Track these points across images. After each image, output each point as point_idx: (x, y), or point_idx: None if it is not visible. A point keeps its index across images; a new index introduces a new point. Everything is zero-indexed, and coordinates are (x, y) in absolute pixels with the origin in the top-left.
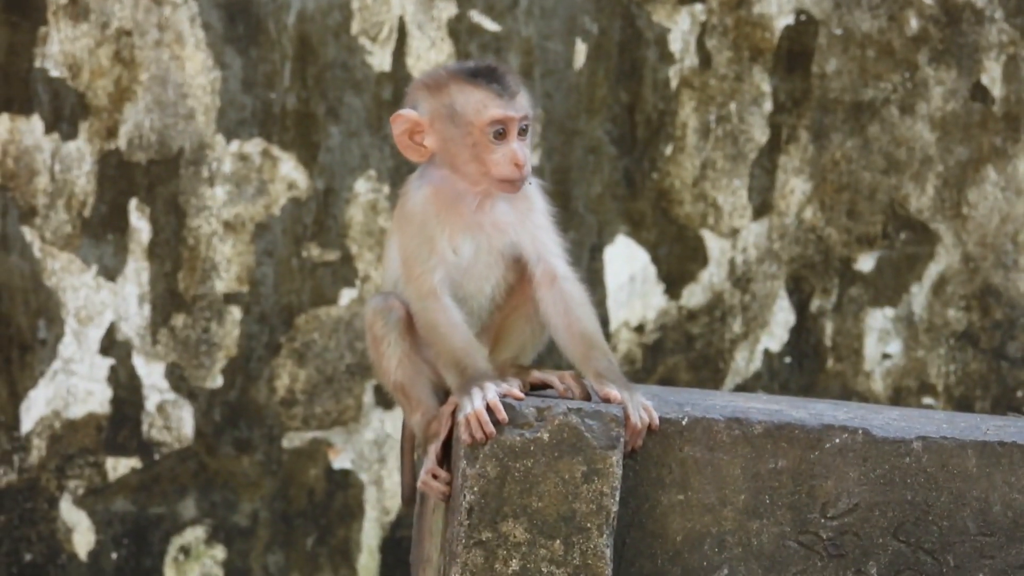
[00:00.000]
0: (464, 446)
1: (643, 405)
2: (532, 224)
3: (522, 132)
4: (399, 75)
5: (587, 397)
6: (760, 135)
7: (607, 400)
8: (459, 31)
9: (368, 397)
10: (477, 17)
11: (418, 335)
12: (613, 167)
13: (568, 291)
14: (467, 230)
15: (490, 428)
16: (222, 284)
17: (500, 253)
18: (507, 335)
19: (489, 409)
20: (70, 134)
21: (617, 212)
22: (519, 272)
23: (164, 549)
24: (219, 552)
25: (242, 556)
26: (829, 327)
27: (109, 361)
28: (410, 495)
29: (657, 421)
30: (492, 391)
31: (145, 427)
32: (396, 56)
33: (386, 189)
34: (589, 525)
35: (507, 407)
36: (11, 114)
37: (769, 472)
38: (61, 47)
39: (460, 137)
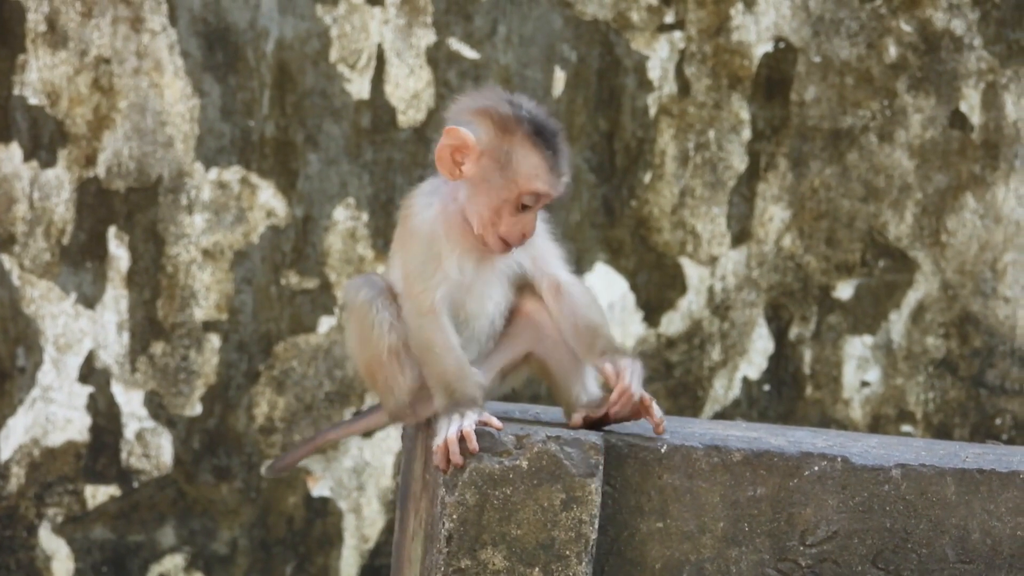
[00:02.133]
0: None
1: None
2: (532, 242)
3: (548, 203)
4: (378, 102)
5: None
6: (739, 163)
7: (610, 371)
8: (438, 59)
9: None
10: (456, 45)
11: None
12: (592, 195)
13: (573, 294)
14: (473, 250)
15: (457, 458)
16: (201, 312)
17: (504, 273)
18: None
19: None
20: (49, 162)
21: (596, 240)
22: (519, 296)
23: None
24: None
25: None
26: (808, 355)
27: (88, 389)
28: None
29: (650, 400)
30: (470, 420)
31: (124, 455)
32: (375, 84)
33: (365, 217)
34: (568, 552)
35: (485, 435)
36: None
37: (748, 500)
38: (40, 75)
39: (498, 187)
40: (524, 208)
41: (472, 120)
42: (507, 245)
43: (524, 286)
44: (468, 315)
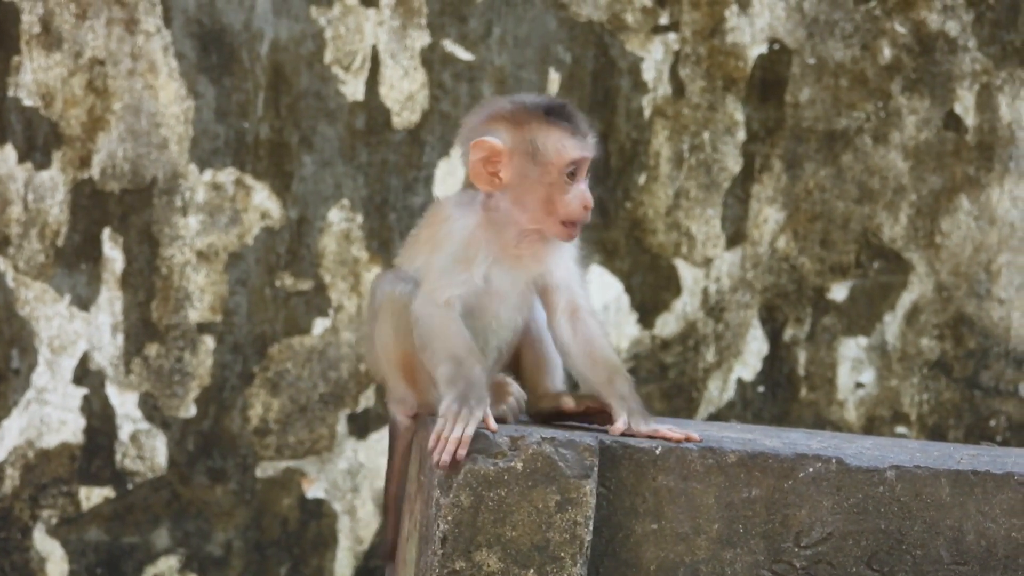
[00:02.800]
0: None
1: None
2: (562, 256)
3: (587, 172)
4: (372, 104)
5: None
6: (733, 164)
7: (635, 434)
8: (432, 60)
9: (341, 427)
10: (450, 46)
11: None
12: None
13: (589, 323)
14: (505, 261)
15: (447, 459)
16: (195, 314)
17: (527, 283)
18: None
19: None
20: (43, 163)
21: (590, 241)
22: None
23: None
24: None
25: None
26: (802, 356)
27: (82, 391)
28: (391, 551)
29: (688, 436)
30: (472, 425)
31: (118, 456)
32: (369, 85)
33: (359, 218)
34: (563, 554)
35: (479, 436)
36: None
37: (743, 501)
38: (34, 76)
39: (538, 175)
40: (572, 180)
41: (488, 129)
42: (572, 226)
43: None
44: (491, 326)
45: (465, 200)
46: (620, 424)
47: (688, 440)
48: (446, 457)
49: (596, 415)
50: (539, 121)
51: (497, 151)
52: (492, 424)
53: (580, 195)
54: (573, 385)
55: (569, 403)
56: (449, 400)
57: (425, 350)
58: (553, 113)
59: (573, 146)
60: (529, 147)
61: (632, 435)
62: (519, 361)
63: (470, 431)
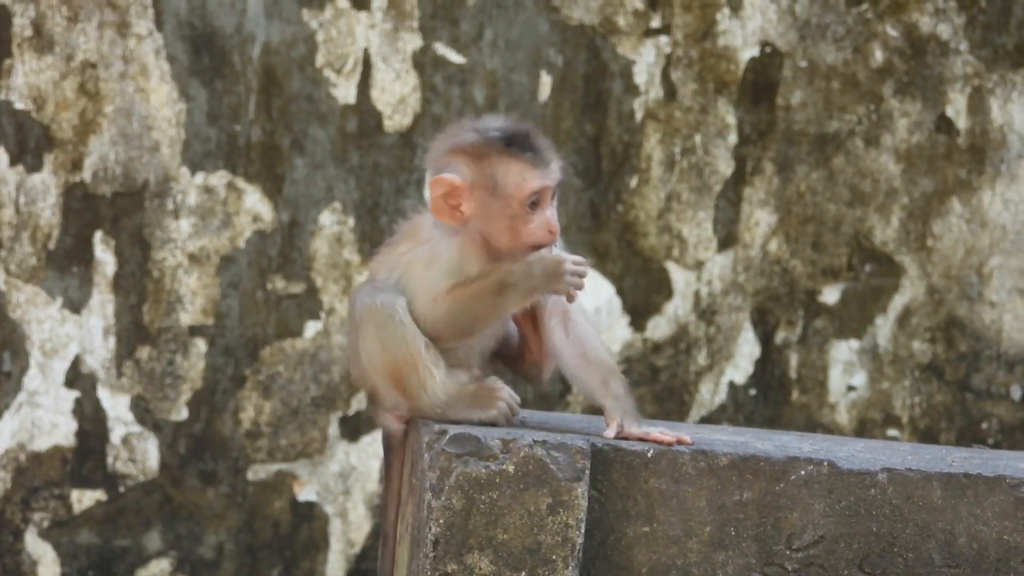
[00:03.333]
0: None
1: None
2: None
3: (553, 195)
4: (364, 107)
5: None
6: (725, 167)
7: (627, 436)
8: (424, 63)
9: (333, 429)
10: (442, 49)
11: None
12: (578, 199)
13: (580, 323)
14: None
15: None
16: (187, 316)
17: None
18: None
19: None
20: (35, 166)
21: (582, 244)
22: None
23: None
24: None
25: None
26: (794, 359)
27: (74, 393)
28: None
29: (680, 439)
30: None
31: (110, 459)
32: (361, 88)
33: (351, 221)
34: (555, 557)
35: (470, 439)
36: None
37: (734, 504)
38: (26, 79)
39: (499, 208)
40: (534, 209)
41: (448, 163)
42: (541, 247)
43: None
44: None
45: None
46: (612, 429)
47: (680, 443)
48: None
49: None
50: (498, 154)
51: (456, 187)
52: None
53: (544, 223)
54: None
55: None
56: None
57: (468, 314)
58: (513, 144)
59: (533, 177)
60: (489, 181)
61: (624, 438)
62: (498, 352)
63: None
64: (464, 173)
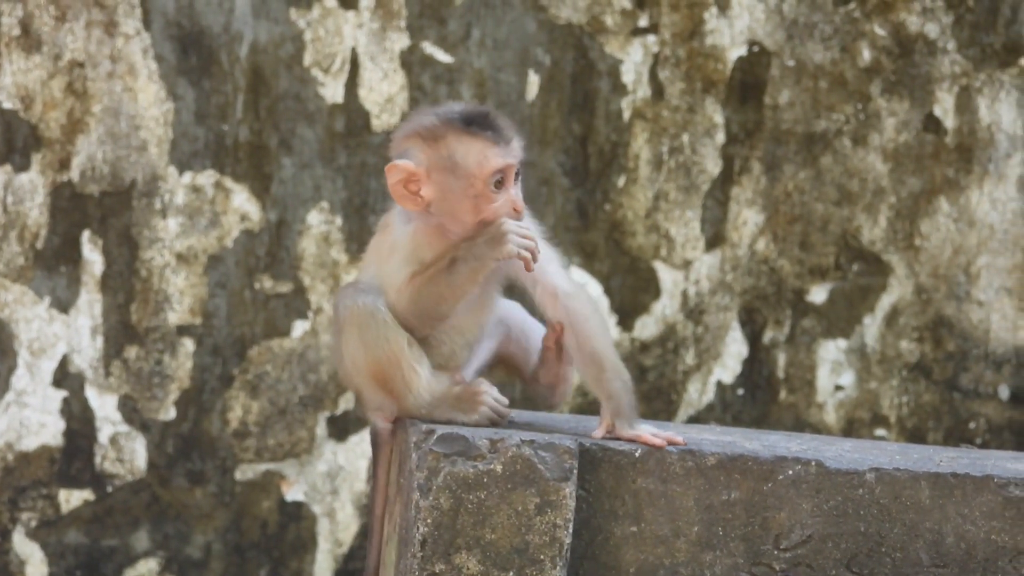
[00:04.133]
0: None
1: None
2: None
3: (516, 176)
4: (352, 106)
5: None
6: (713, 166)
7: (617, 437)
8: (411, 63)
9: (321, 429)
10: (430, 49)
11: None
12: (566, 198)
13: (573, 308)
14: None
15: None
16: (175, 316)
17: (491, 282)
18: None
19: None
20: (22, 166)
21: (570, 243)
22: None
23: None
24: None
25: None
26: (782, 359)
27: (62, 393)
28: (375, 573)
29: (670, 439)
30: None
31: (98, 459)
32: (349, 87)
33: (339, 221)
34: (542, 557)
35: (458, 439)
36: None
37: (722, 504)
38: (13, 79)
39: (461, 188)
40: (498, 188)
41: (405, 149)
42: None
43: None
44: (460, 325)
45: (406, 212)
46: (601, 430)
47: (671, 443)
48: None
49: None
50: (456, 134)
51: (411, 172)
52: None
53: (508, 201)
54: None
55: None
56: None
57: (442, 295)
58: (473, 123)
59: (495, 155)
60: (447, 163)
61: (616, 438)
62: (515, 364)
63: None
64: (419, 158)
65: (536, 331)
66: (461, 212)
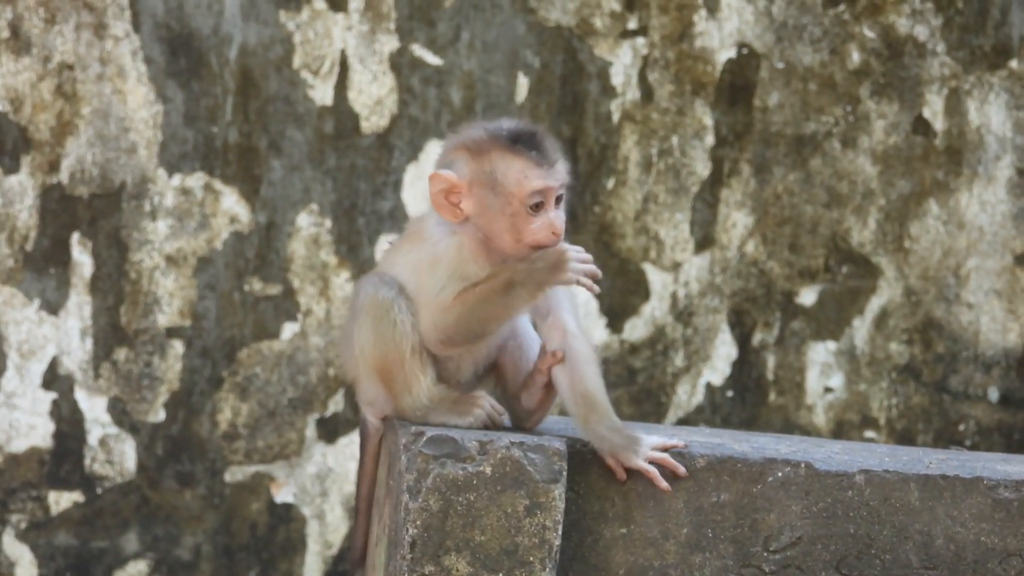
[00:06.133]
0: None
1: (656, 448)
2: None
3: (558, 199)
4: (341, 109)
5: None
6: (702, 169)
7: (622, 468)
8: (401, 65)
9: (310, 431)
10: (419, 51)
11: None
12: None
13: (575, 347)
14: None
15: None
16: (164, 318)
17: None
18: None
19: None
20: (12, 168)
21: None
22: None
23: None
24: None
25: None
26: (771, 361)
27: (51, 395)
28: (360, 556)
29: (680, 469)
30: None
31: (87, 461)
32: (338, 90)
33: (328, 223)
34: (532, 559)
35: (448, 440)
36: None
37: (712, 506)
38: (3, 81)
39: (499, 206)
40: (538, 210)
41: (451, 160)
42: (544, 248)
43: None
44: (474, 346)
45: (444, 222)
46: (619, 473)
47: (673, 450)
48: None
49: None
50: (501, 150)
51: (453, 183)
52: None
53: (547, 223)
54: None
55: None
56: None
57: (478, 320)
58: (519, 141)
59: (536, 176)
60: (488, 178)
61: (628, 469)
62: (504, 375)
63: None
64: (463, 170)
65: (532, 350)
66: (498, 229)
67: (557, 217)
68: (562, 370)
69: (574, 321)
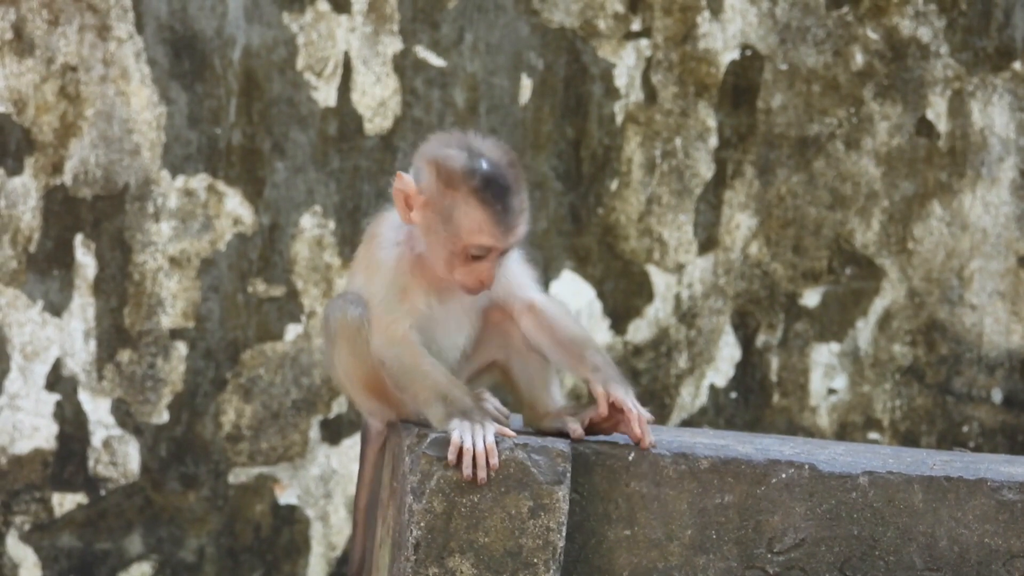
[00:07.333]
0: (462, 479)
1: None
2: (502, 271)
3: (503, 253)
4: (344, 110)
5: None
6: (706, 170)
7: (607, 399)
8: (404, 67)
9: (314, 433)
10: (423, 53)
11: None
12: (559, 202)
13: (548, 311)
14: (438, 285)
15: (482, 474)
16: (168, 320)
17: (472, 307)
18: (520, 385)
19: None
20: (15, 169)
21: (563, 247)
22: (486, 306)
23: None
24: None
25: None
26: (775, 362)
27: (55, 397)
28: (358, 566)
29: (650, 439)
30: (491, 432)
31: (91, 463)
32: (341, 91)
33: (332, 224)
34: (536, 560)
35: (445, 443)
36: None
37: (715, 507)
38: (6, 83)
39: (444, 237)
40: (477, 258)
41: (424, 167)
42: (468, 290)
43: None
44: (439, 347)
45: (397, 222)
46: (602, 404)
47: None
48: (481, 474)
49: (601, 424)
50: (467, 192)
51: (411, 194)
52: (509, 431)
53: (482, 272)
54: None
55: (577, 430)
56: (455, 423)
57: (406, 391)
58: (488, 189)
59: (490, 233)
60: (445, 211)
61: (613, 403)
62: (512, 380)
63: (491, 438)
64: (426, 187)
65: (534, 355)
66: (435, 253)
67: (491, 269)
68: (541, 332)
69: (538, 294)
